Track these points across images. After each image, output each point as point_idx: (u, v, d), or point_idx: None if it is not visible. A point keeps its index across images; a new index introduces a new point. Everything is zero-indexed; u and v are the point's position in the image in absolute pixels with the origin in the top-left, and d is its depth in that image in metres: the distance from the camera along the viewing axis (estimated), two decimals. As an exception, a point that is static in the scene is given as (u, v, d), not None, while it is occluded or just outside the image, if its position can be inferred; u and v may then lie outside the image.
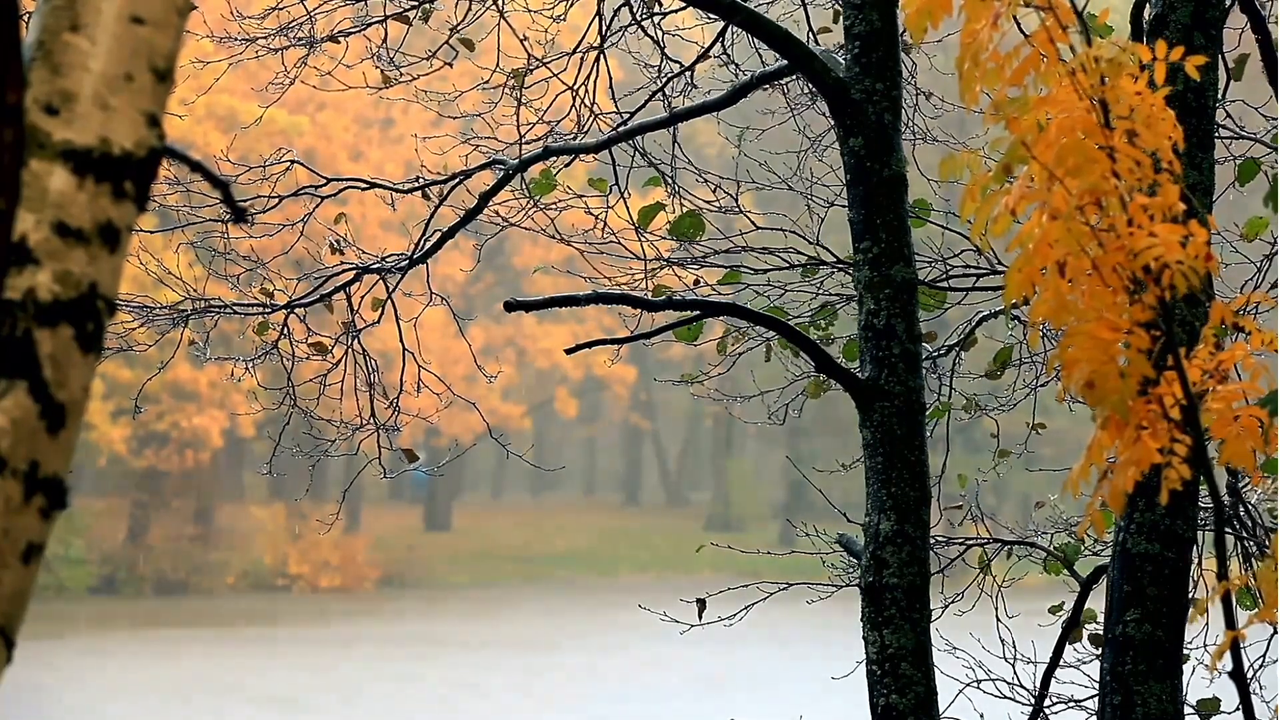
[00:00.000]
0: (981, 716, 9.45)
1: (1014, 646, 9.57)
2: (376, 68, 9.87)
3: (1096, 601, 7.61)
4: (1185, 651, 6.50)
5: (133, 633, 44.10)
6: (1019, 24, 3.60)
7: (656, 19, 9.84)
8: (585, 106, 9.75)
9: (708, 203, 9.53)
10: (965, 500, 9.95)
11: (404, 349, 9.62)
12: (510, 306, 6.84)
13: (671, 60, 9.87)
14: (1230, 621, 3.86)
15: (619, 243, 9.28)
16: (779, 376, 9.87)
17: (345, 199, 10.60)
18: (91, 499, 55.13)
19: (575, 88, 9.72)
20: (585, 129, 9.72)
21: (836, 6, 9.40)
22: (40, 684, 33.03)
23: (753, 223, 9.58)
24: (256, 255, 9.77)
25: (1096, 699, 6.84)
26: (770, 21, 7.09)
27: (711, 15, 9.07)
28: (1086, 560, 9.20)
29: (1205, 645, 9.15)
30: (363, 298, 9.32)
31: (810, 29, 9.69)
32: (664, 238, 9.16)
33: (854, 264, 6.85)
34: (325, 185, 9.51)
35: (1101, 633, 6.60)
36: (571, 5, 9.91)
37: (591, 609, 50.26)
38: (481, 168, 9.15)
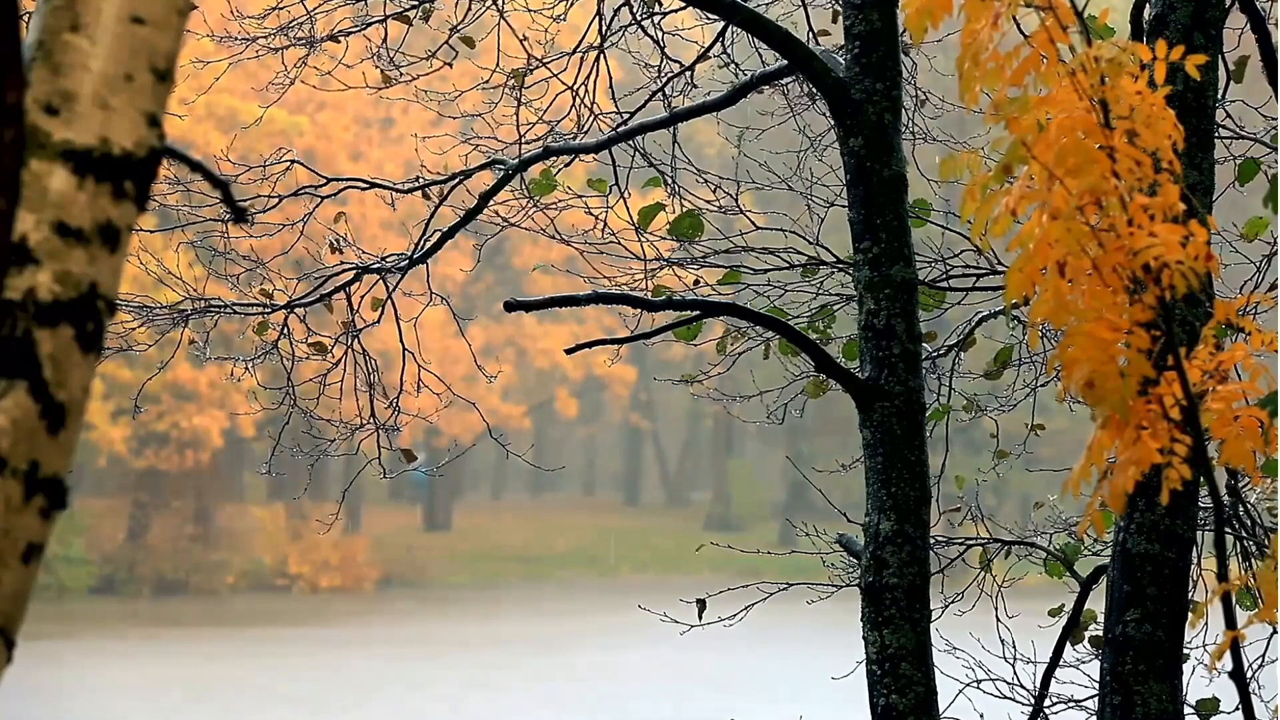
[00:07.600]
0: (981, 716, 9.45)
1: (1014, 646, 9.57)
2: (376, 67, 9.86)
3: (1096, 602, 7.60)
4: (1185, 651, 6.50)
5: (132, 631, 44.10)
6: (1019, 24, 3.60)
7: (656, 19, 9.84)
8: (585, 106, 9.74)
9: (708, 203, 9.52)
10: (964, 501, 9.95)
11: (404, 349, 9.62)
12: (510, 306, 6.84)
13: (671, 60, 9.87)
14: (1230, 621, 3.86)
15: (619, 243, 9.27)
16: (779, 376, 9.86)
17: (345, 199, 10.60)
18: (91, 499, 55.13)
19: (575, 88, 9.72)
20: (585, 129, 9.71)
21: (836, 7, 9.39)
22: (41, 684, 33.02)
23: (753, 223, 9.58)
24: (256, 255, 9.77)
25: (1096, 699, 6.83)
26: (770, 22, 7.09)
27: (711, 15, 9.07)
28: (1086, 560, 9.19)
29: (1205, 645, 9.14)
30: (363, 298, 9.32)
31: (810, 29, 9.69)
32: (664, 238, 9.15)
33: (854, 264, 6.85)
34: (325, 185, 9.50)
35: (1102, 634, 6.60)
36: (571, 5, 9.91)
37: (591, 609, 50.24)
38: (481, 168, 9.14)
